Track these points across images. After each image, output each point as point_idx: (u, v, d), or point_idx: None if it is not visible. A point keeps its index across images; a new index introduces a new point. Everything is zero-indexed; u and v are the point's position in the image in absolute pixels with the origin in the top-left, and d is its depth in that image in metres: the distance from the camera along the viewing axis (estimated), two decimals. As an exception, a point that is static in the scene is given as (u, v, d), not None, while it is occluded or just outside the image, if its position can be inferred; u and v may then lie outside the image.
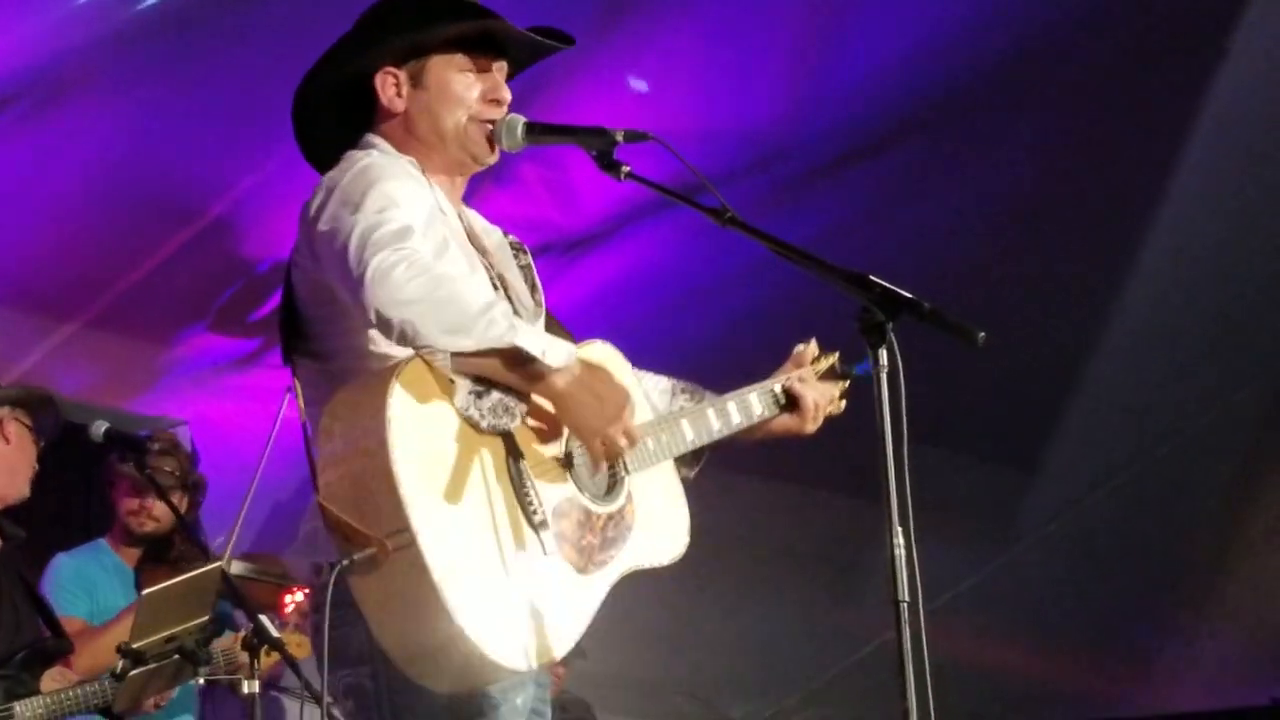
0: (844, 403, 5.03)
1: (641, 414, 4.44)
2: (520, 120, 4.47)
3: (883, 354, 4.15)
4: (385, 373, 3.97)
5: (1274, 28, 12.05)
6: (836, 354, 4.98)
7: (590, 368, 4.16)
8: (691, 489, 4.84)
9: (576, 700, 8.58)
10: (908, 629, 4.18)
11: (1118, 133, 12.42)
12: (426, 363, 3.98)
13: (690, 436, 4.59)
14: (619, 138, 4.39)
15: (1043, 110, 11.75)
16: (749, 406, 4.78)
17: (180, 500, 7.17)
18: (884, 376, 4.17)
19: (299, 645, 6.61)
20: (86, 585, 7.20)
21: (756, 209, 4.53)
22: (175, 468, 7.30)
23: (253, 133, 8.50)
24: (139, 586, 7.37)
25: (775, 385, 4.86)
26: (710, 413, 4.68)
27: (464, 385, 4.01)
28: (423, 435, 3.92)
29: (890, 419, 4.11)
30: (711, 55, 10.44)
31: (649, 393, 4.77)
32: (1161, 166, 12.61)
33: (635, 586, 4.48)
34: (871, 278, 4.21)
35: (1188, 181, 12.68)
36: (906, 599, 4.11)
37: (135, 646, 6.34)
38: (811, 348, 5.01)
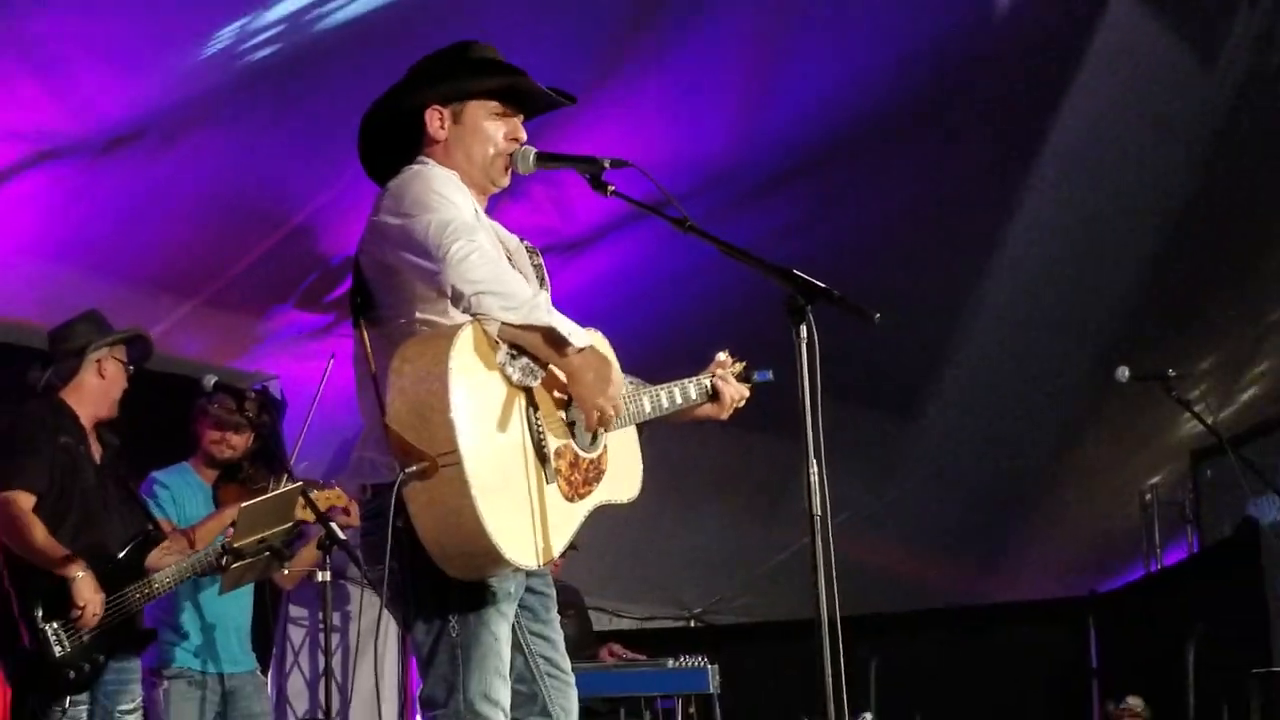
0: (747, 398, 4.99)
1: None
2: (532, 150, 4.48)
3: (804, 329, 4.24)
4: (451, 330, 4.02)
5: (1097, 89, 12.05)
6: (744, 363, 4.98)
7: (595, 352, 4.18)
8: (660, 434, 4.88)
9: (567, 586, 8.58)
10: (819, 537, 4.27)
11: (981, 164, 12.41)
12: (482, 328, 4.01)
13: (648, 409, 4.59)
14: (606, 164, 4.44)
15: (926, 144, 11.71)
16: (687, 392, 4.77)
17: (249, 437, 7.18)
18: (804, 346, 4.23)
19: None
20: (174, 495, 7.19)
21: (710, 219, 4.50)
22: (252, 413, 7.31)
23: (326, 158, 8.46)
24: (216, 500, 7.38)
25: (705, 380, 4.84)
26: (662, 393, 4.66)
27: (503, 349, 4.06)
28: (472, 381, 3.96)
29: (808, 378, 4.21)
30: (677, 100, 10.40)
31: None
32: (1014, 190, 12.61)
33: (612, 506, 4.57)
34: (796, 271, 4.32)
35: (1032, 203, 12.68)
36: (819, 514, 4.19)
37: (236, 545, 6.39)
38: (727, 355, 4.97)
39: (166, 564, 6.33)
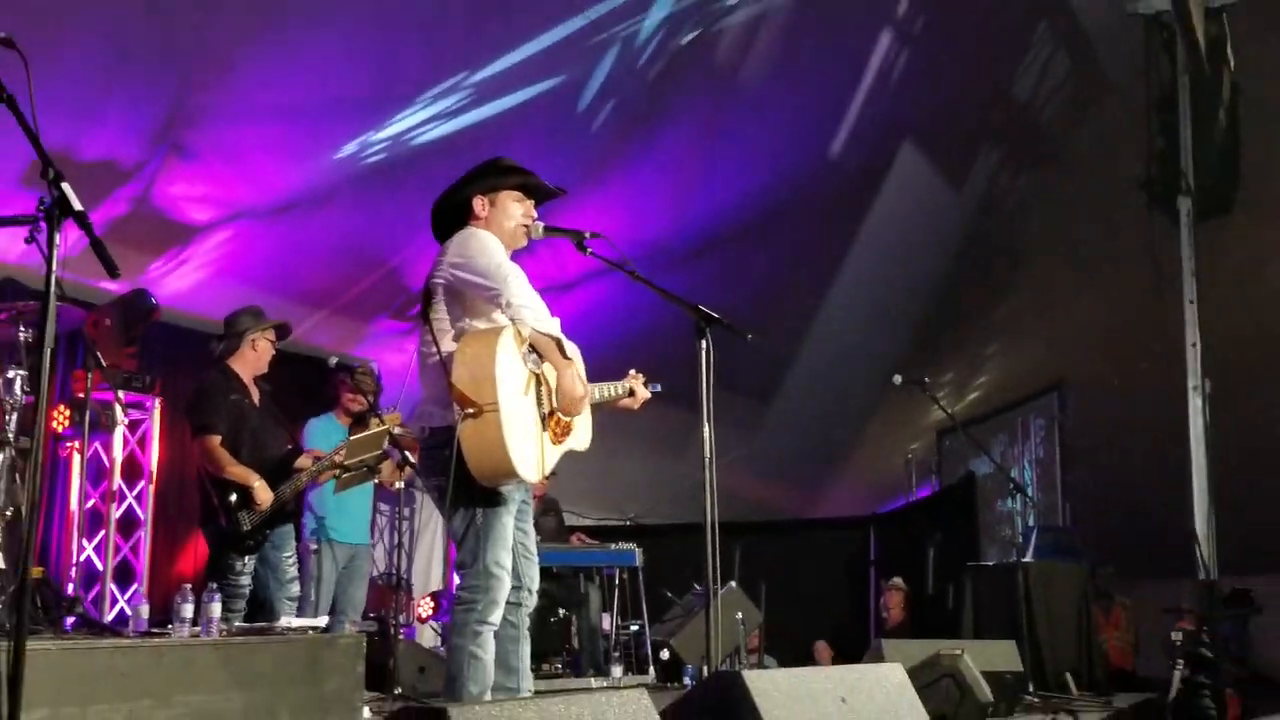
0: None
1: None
2: (542, 224, 4.48)
3: (704, 342, 4.41)
4: (497, 328, 4.11)
5: (890, 202, 12.12)
6: (643, 377, 4.84)
7: (578, 369, 4.25)
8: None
9: (551, 499, 8.57)
10: (709, 470, 4.37)
11: (818, 246, 12.46)
12: (516, 330, 4.10)
13: (596, 397, 4.54)
14: (586, 235, 4.49)
15: (785, 233, 11.73)
16: (616, 389, 4.71)
17: (365, 397, 7.16)
18: (703, 354, 4.40)
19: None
20: (322, 434, 7.16)
21: (651, 274, 4.55)
22: (369, 382, 7.30)
23: (409, 226, 8.45)
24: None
25: (627, 384, 4.75)
26: (604, 388, 4.63)
27: (526, 345, 4.15)
28: (507, 362, 4.04)
29: (705, 373, 4.38)
30: (636, 195, 10.40)
31: None
32: (837, 263, 12.67)
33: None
34: (701, 306, 4.45)
35: (846, 272, 12.74)
36: (709, 456, 4.29)
37: (346, 463, 6.43)
38: (635, 371, 4.84)
39: (303, 467, 6.36)
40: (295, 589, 6.53)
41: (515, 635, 4.35)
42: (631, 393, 4.75)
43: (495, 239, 4.27)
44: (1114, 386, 14.41)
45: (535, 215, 4.44)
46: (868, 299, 13.38)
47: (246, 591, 6.31)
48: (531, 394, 4.21)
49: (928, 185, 12.39)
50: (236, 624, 5.91)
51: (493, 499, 4.13)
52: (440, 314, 4.26)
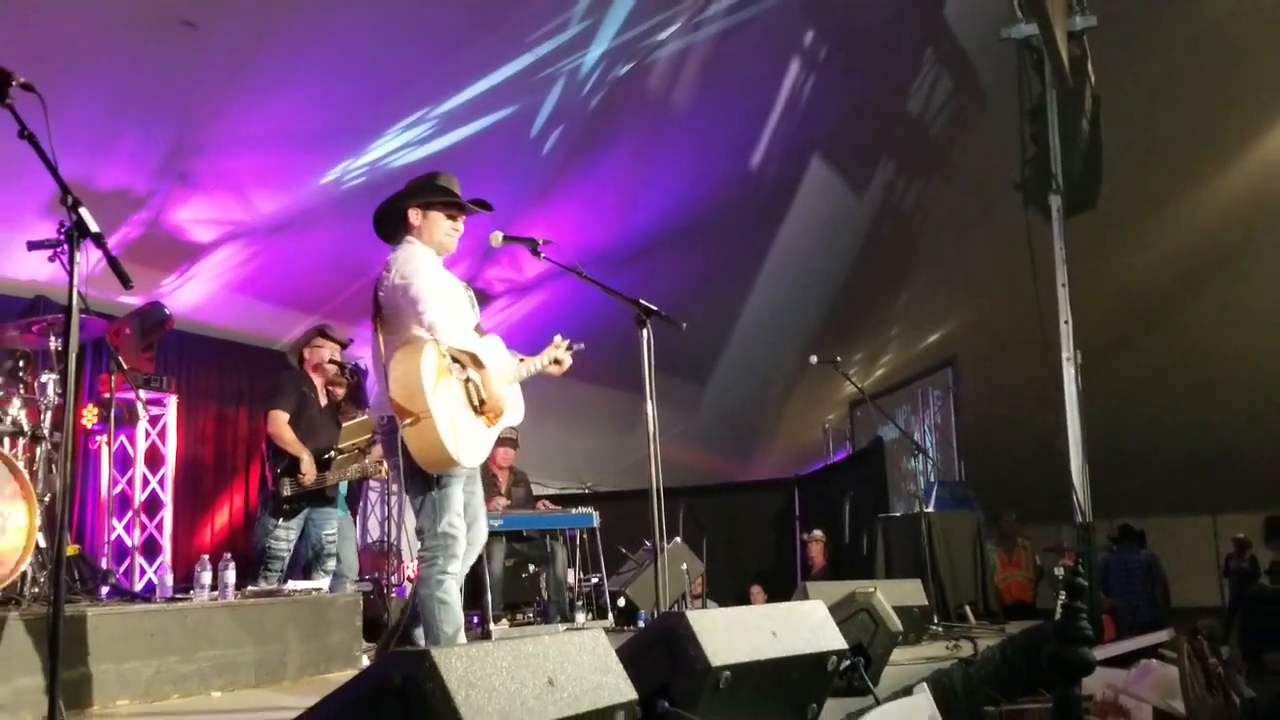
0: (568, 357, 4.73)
1: (505, 364, 4.46)
2: (501, 233, 4.53)
3: (645, 332, 4.44)
4: (422, 341, 4.03)
5: (802, 208, 12.19)
6: (569, 340, 4.70)
7: (499, 368, 4.29)
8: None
9: (519, 470, 8.53)
10: (653, 444, 4.39)
11: (741, 249, 12.53)
12: (436, 345, 4.04)
13: (524, 374, 4.50)
14: (540, 242, 4.52)
15: (711, 238, 11.78)
16: (541, 361, 4.58)
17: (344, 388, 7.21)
18: (645, 342, 4.44)
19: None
20: None
21: (598, 274, 4.58)
22: (350, 375, 7.33)
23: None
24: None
25: (550, 354, 4.62)
26: (530, 363, 4.54)
27: (448, 357, 4.09)
28: (431, 372, 3.98)
29: (647, 358, 4.41)
30: (583, 206, 10.43)
31: (509, 353, 4.55)
32: (759, 262, 12.74)
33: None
34: (642, 300, 4.47)
35: (767, 270, 12.81)
36: (653, 431, 4.31)
37: (340, 446, 6.49)
38: (560, 337, 4.70)
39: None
40: (332, 564, 6.57)
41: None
42: (556, 361, 4.64)
43: (429, 257, 4.23)
44: (999, 360, 14.61)
45: (462, 229, 4.38)
46: (786, 291, 13.46)
47: (285, 556, 6.39)
48: (458, 392, 4.16)
49: (834, 192, 12.48)
50: (249, 588, 5.89)
51: (442, 479, 4.13)
52: (386, 323, 4.22)
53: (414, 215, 4.28)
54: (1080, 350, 9.21)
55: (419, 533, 4.23)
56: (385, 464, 7.32)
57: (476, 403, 4.22)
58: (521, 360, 4.54)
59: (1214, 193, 15.57)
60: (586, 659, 2.46)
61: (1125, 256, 14.84)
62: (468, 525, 4.27)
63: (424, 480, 4.11)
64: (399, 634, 4.37)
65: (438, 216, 4.29)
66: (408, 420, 3.99)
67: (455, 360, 4.15)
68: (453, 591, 4.11)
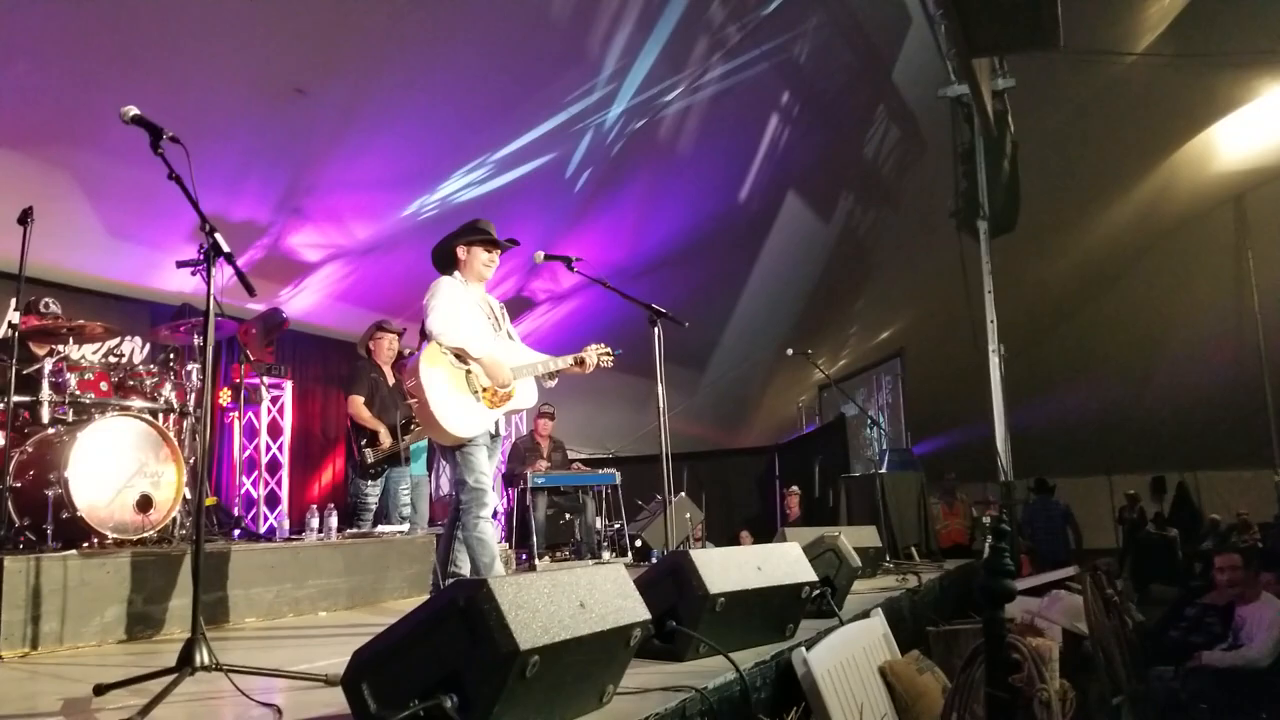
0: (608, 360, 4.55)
1: (521, 360, 4.34)
2: (542, 253, 4.54)
3: (657, 330, 4.39)
4: (430, 344, 4.07)
5: (780, 232, 12.15)
6: (599, 347, 4.53)
7: (495, 361, 4.17)
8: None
9: (556, 439, 8.54)
10: (662, 418, 4.40)
11: (732, 265, 12.48)
12: (438, 347, 4.07)
13: (539, 370, 4.34)
14: (573, 259, 4.52)
15: (706, 257, 11.73)
16: (562, 360, 4.38)
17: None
18: (656, 338, 4.41)
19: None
20: None
21: (618, 284, 4.58)
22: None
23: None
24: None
25: (579, 354, 4.44)
26: (550, 362, 4.37)
27: (449, 353, 4.09)
28: (431, 366, 4.05)
29: (658, 350, 4.38)
30: (606, 229, 10.40)
31: (527, 353, 4.43)
32: (745, 275, 12.71)
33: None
34: (654, 305, 4.43)
35: (752, 282, 12.77)
36: (662, 408, 4.31)
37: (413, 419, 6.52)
38: (598, 344, 4.54)
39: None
40: (408, 511, 6.60)
41: (460, 539, 4.27)
42: (581, 361, 4.47)
43: (454, 285, 4.21)
44: (938, 351, 14.57)
45: (498, 261, 4.35)
46: (767, 298, 13.38)
47: (372, 508, 6.42)
48: (457, 380, 4.13)
49: (805, 220, 12.44)
50: (349, 530, 5.94)
51: (465, 445, 4.10)
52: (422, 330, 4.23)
53: (461, 252, 4.27)
54: (1003, 343, 9.20)
55: (456, 487, 4.21)
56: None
57: (477, 388, 4.17)
58: (546, 360, 4.43)
59: (1110, 217, 15.57)
60: (610, 587, 2.47)
61: (1039, 268, 14.82)
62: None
63: (452, 449, 4.14)
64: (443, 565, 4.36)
65: (478, 252, 4.26)
66: (414, 400, 4.11)
67: (457, 356, 4.14)
68: (487, 530, 4.10)
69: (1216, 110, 14.39)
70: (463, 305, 4.20)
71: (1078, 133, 13.09)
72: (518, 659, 2.01)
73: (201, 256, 2.89)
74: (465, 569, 4.24)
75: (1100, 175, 14.11)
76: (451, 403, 4.07)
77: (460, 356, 4.14)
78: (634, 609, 2.48)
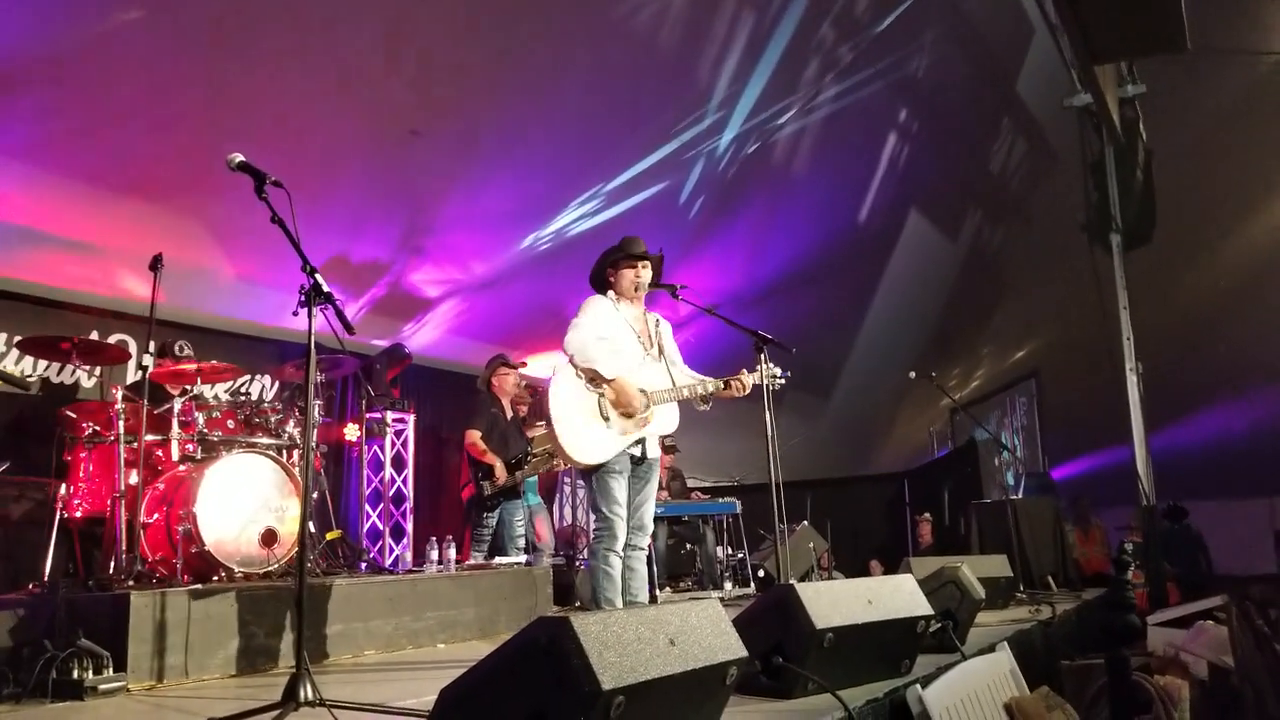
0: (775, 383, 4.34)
1: (662, 384, 4.23)
2: (648, 279, 4.37)
3: (763, 357, 4.29)
4: (565, 368, 4.07)
5: (904, 252, 11.89)
6: (777, 369, 4.40)
7: (619, 383, 4.06)
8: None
9: (676, 469, 8.49)
10: (772, 445, 4.25)
11: (854, 288, 12.27)
12: (574, 368, 4.06)
13: (685, 394, 4.23)
14: (678, 287, 4.38)
15: (827, 281, 11.53)
16: (718, 384, 4.26)
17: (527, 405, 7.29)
18: (761, 364, 4.30)
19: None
20: None
21: (734, 310, 4.51)
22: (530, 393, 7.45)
23: (572, 289, 8.59)
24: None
25: (724, 380, 4.30)
26: (700, 384, 4.26)
27: (584, 377, 4.06)
28: (563, 388, 4.04)
29: (763, 377, 4.27)
30: (717, 256, 10.35)
31: (683, 375, 4.34)
32: (869, 298, 12.46)
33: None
34: (761, 332, 4.30)
35: (877, 303, 12.52)
36: (771, 434, 4.14)
37: (535, 451, 6.56)
38: (746, 374, 4.34)
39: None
40: (521, 543, 6.64)
41: (631, 568, 4.21)
42: (727, 385, 4.33)
43: (598, 304, 4.22)
44: (1074, 371, 13.92)
45: (647, 277, 4.30)
46: (893, 321, 13.08)
47: (488, 537, 6.51)
48: (589, 406, 4.07)
49: (930, 239, 12.15)
50: (468, 562, 6.01)
51: (601, 471, 4.06)
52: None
53: (610, 274, 4.30)
54: (1141, 361, 8.76)
55: (592, 509, 4.18)
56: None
57: (610, 413, 4.10)
58: (692, 384, 4.32)
59: (1256, 225, 14.74)
60: (705, 624, 2.38)
61: (1180, 281, 14.08)
62: (633, 512, 4.19)
63: (588, 474, 4.11)
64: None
65: (624, 271, 4.27)
66: (542, 424, 4.08)
67: (590, 379, 4.09)
68: (614, 563, 4.05)
69: (1365, 109, 13.50)
70: (607, 325, 4.18)
71: (1218, 139, 12.43)
72: (601, 699, 1.95)
73: (302, 298, 2.96)
74: (642, 596, 4.20)
75: (1244, 182, 13.35)
76: (577, 426, 4.04)
77: (593, 379, 4.10)
78: (729, 646, 2.39)
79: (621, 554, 4.11)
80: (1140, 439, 8.64)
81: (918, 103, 10.19)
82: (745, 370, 4.38)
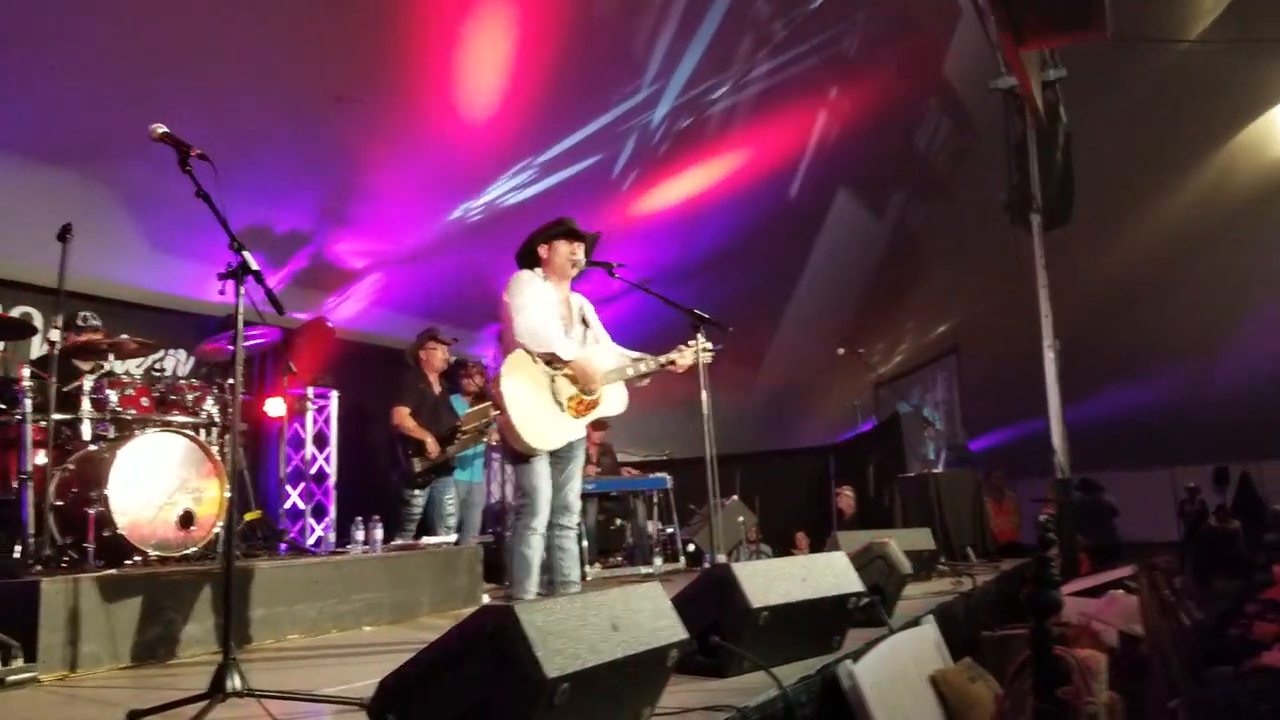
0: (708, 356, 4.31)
1: (607, 364, 4.20)
2: (584, 260, 4.28)
3: (700, 336, 4.25)
4: (518, 350, 3.95)
5: (831, 227, 11.98)
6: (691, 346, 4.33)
7: (578, 362, 4.04)
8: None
9: (608, 445, 8.48)
10: (707, 424, 4.23)
11: (783, 260, 12.32)
12: (525, 351, 3.96)
13: (629, 373, 4.21)
14: (614, 265, 4.36)
15: (757, 255, 11.58)
16: (659, 362, 4.25)
17: (475, 381, 7.17)
18: (700, 340, 4.25)
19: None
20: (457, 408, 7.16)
21: (667, 285, 4.49)
22: (478, 372, 7.30)
23: (501, 264, 8.49)
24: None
25: (668, 355, 4.27)
26: (638, 363, 4.25)
27: (540, 360, 4.00)
28: (518, 374, 3.95)
29: (701, 356, 4.23)
30: (651, 235, 10.33)
31: (617, 354, 4.30)
32: (798, 270, 12.55)
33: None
34: (695, 309, 4.29)
35: (804, 278, 12.62)
36: (707, 412, 4.17)
37: (464, 428, 6.45)
38: (695, 342, 4.30)
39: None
40: (453, 521, 6.54)
41: (562, 548, 4.18)
42: (672, 362, 4.31)
43: (534, 280, 4.12)
44: (993, 347, 14.26)
45: (579, 253, 4.22)
46: (820, 296, 13.25)
47: (417, 517, 6.38)
48: (545, 390, 4.02)
49: (858, 216, 12.30)
50: (394, 541, 5.91)
51: (528, 454, 4.00)
52: (502, 333, 4.14)
53: (543, 250, 4.18)
54: (1058, 337, 9.00)
55: (516, 490, 4.12)
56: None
57: (567, 396, 4.06)
58: (637, 359, 4.29)
59: (1169, 207, 15.21)
60: (646, 606, 2.37)
61: (1096, 260, 14.47)
62: (559, 490, 4.14)
63: (514, 454, 4.04)
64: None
65: (560, 246, 4.17)
66: (497, 411, 4.01)
67: (547, 363, 4.03)
68: (534, 543, 3.99)
69: (1275, 95, 14.00)
70: (545, 304, 4.09)
71: (1133, 123, 12.81)
72: (545, 687, 1.93)
73: (229, 273, 2.85)
74: (574, 575, 4.15)
75: (1157, 165, 13.78)
76: (535, 415, 3.96)
77: (549, 362, 4.04)
78: (670, 629, 2.38)
79: (543, 533, 4.06)
80: (1056, 413, 8.91)
81: (848, 81, 10.26)
82: (681, 346, 4.36)
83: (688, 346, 4.34)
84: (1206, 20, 12.20)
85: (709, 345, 4.37)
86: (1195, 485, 15.13)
